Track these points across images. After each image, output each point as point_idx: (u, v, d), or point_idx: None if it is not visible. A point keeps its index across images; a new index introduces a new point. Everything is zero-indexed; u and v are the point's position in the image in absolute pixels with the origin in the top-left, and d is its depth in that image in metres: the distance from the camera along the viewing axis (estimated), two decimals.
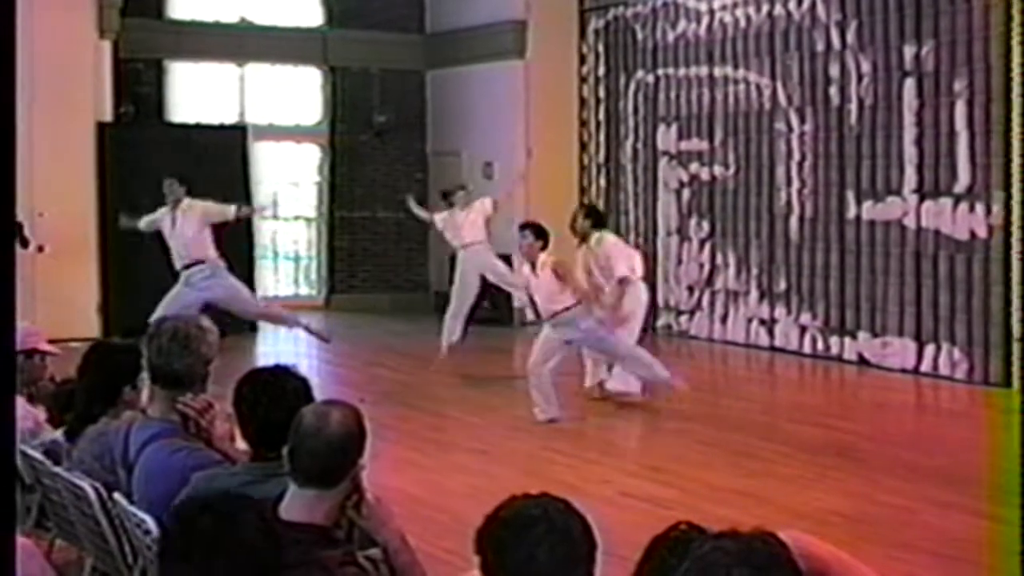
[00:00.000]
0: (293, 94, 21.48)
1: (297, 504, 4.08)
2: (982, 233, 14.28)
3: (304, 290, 21.90)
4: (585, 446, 11.50)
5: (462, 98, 21.03)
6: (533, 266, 12.43)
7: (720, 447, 11.23)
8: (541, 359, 12.36)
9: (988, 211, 14.23)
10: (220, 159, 18.25)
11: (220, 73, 20.82)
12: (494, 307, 18.64)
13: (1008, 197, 14.08)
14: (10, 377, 2.73)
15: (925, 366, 14.88)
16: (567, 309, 12.22)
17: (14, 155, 2.40)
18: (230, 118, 20.39)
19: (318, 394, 4.74)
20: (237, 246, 18.25)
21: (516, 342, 18.45)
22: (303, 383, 4.83)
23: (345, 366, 15.95)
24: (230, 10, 20.73)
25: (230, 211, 14.91)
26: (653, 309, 18.80)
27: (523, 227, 12.59)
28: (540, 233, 12.40)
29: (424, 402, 13.51)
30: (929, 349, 14.85)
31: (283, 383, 4.80)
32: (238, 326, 16.33)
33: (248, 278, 18.44)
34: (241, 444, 5.06)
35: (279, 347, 17.07)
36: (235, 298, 14.84)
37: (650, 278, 18.95)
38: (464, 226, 15.62)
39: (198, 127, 19.59)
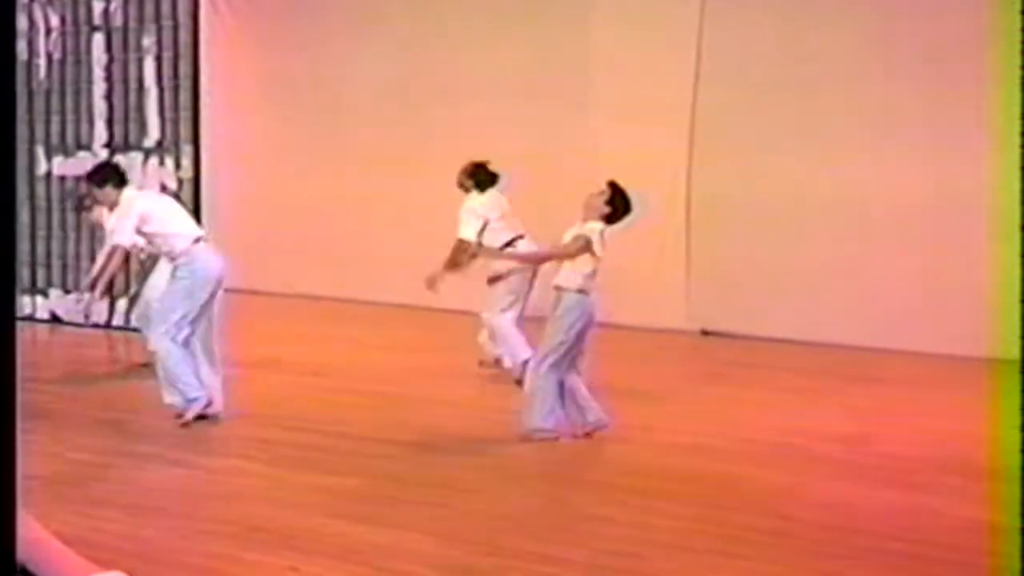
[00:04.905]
0: None
1: None
2: (173, 186, 14.51)
3: None
4: None
5: None
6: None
7: None
8: None
9: (178, 165, 14.52)
10: None
11: None
12: None
13: (197, 150, 14.47)
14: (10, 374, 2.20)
15: (117, 320, 14.95)
16: None
17: (14, 155, 2.00)
18: None
19: None
20: None
21: None
22: None
23: None
24: None
25: None
26: None
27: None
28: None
29: None
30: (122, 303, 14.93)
31: None
32: None
33: None
34: None
35: None
36: None
37: None
38: None
39: None
